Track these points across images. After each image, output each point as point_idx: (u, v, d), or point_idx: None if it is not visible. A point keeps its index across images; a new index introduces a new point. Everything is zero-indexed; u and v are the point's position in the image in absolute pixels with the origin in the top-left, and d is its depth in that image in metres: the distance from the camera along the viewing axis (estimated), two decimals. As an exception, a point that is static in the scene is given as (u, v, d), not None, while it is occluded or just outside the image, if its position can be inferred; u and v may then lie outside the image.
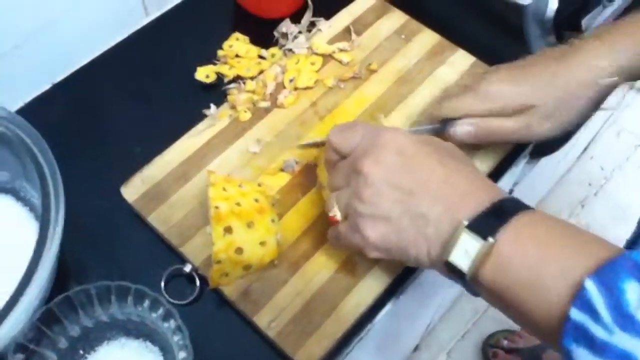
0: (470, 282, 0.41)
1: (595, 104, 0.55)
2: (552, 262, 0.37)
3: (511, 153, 0.62)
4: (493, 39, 0.71)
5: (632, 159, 1.75)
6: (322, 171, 0.54)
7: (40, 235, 0.44)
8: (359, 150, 0.47)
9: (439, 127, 0.58)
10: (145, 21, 0.72)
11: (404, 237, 0.44)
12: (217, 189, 0.53)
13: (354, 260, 0.55)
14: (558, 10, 0.69)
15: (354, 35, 0.68)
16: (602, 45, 0.53)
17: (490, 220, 0.40)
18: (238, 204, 0.53)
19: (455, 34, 0.69)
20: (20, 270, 0.43)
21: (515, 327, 1.42)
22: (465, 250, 0.40)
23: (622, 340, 0.32)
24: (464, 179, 0.43)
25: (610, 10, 0.73)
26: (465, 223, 0.40)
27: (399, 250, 0.45)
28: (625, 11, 0.76)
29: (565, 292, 0.36)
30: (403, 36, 0.69)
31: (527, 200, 0.43)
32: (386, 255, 0.47)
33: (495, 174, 0.62)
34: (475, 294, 0.42)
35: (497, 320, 1.46)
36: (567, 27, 0.70)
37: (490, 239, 0.39)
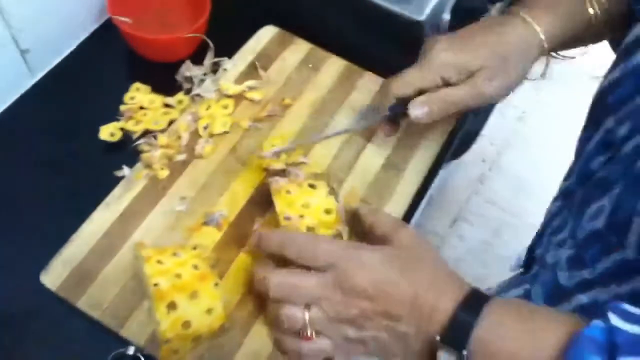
0: None
1: (530, 65, 0.58)
2: (524, 355, 0.40)
3: (440, 154, 0.65)
4: (396, 56, 0.71)
5: (518, 131, 1.87)
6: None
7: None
8: (329, 276, 0.46)
9: (388, 114, 0.59)
10: (30, 82, 0.65)
11: (392, 350, 0.46)
12: (152, 263, 0.50)
13: (305, 309, 0.54)
14: (451, 22, 0.71)
15: (261, 72, 0.66)
16: (531, 17, 0.56)
17: (460, 330, 0.42)
18: (178, 276, 0.50)
19: (360, 56, 0.69)
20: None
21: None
22: None
23: None
24: (429, 290, 0.45)
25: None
26: (438, 338, 0.43)
27: (393, 356, 0.47)
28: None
29: None
30: (310, 65, 0.68)
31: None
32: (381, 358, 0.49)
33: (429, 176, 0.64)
34: None
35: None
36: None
37: (464, 352, 0.42)
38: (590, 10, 0.57)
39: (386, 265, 0.46)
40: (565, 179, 0.58)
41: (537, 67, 0.61)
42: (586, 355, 0.36)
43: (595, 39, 0.61)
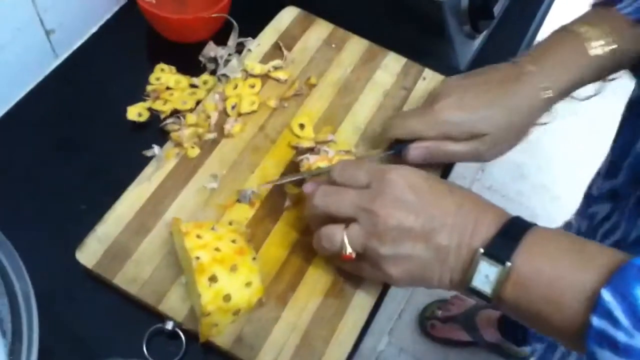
0: (495, 302, 0.43)
1: (534, 124, 0.57)
2: (567, 277, 0.40)
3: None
4: (416, 37, 0.72)
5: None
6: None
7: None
8: (370, 190, 0.47)
9: (393, 151, 0.58)
10: (55, 63, 0.65)
11: (427, 269, 0.46)
12: (191, 237, 0.50)
13: (340, 282, 0.54)
14: (471, 2, 0.72)
15: (285, 52, 0.67)
16: (541, 73, 0.55)
17: (504, 244, 0.42)
18: (217, 250, 0.50)
19: (380, 37, 0.70)
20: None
21: (445, 295, 1.50)
22: (486, 276, 0.42)
23: None
24: (472, 205, 0.45)
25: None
26: (482, 251, 0.42)
27: (422, 280, 0.47)
28: None
29: (584, 303, 0.39)
30: (333, 45, 0.68)
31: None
32: (409, 285, 0.48)
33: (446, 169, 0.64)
34: (495, 308, 0.44)
35: (428, 293, 1.52)
36: (481, 16, 0.73)
37: (508, 264, 0.41)
38: (600, 61, 0.54)
39: (430, 180, 0.47)
40: (607, 177, 0.58)
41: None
42: (631, 281, 0.36)
43: (611, 74, 0.58)
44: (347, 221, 0.48)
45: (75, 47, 0.67)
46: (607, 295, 0.37)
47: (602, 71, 0.56)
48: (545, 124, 0.57)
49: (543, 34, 0.63)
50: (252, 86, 0.63)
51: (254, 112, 0.62)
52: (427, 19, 0.71)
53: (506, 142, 0.56)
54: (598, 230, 0.57)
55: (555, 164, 1.77)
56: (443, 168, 0.62)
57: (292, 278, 0.54)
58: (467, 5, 0.72)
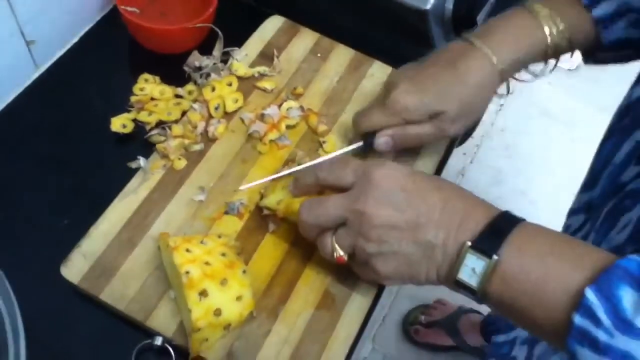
0: (480, 296, 0.43)
1: (491, 98, 0.59)
2: (553, 274, 0.40)
3: (445, 153, 0.65)
4: (401, 45, 0.72)
5: (495, 124, 1.90)
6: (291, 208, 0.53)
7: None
8: (355, 189, 0.47)
9: (363, 144, 0.59)
10: (35, 74, 0.64)
11: (414, 265, 0.46)
12: (180, 252, 0.49)
13: (331, 294, 0.54)
14: (454, 11, 0.72)
15: (275, 60, 0.66)
16: (488, 47, 0.56)
17: (492, 238, 0.42)
18: (207, 264, 0.49)
19: (366, 46, 0.70)
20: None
21: (428, 300, 1.50)
22: (472, 269, 0.42)
23: (622, 342, 0.36)
24: (460, 201, 0.45)
25: None
26: (469, 244, 0.42)
27: (411, 276, 0.47)
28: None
29: (567, 301, 0.39)
30: (319, 55, 0.68)
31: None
32: (399, 282, 0.48)
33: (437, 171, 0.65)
34: (480, 302, 0.44)
35: (411, 298, 1.52)
36: (464, 24, 0.74)
37: (495, 257, 0.41)
38: (548, 39, 0.56)
39: (414, 176, 0.47)
40: (585, 189, 0.58)
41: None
42: (616, 282, 0.36)
43: (556, 56, 0.59)
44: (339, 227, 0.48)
45: (55, 58, 0.65)
46: (591, 295, 0.37)
47: (551, 50, 0.57)
48: (502, 95, 0.57)
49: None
50: (230, 84, 0.63)
51: (242, 119, 0.62)
52: (412, 28, 0.71)
53: (465, 116, 0.57)
54: None
55: (533, 170, 1.80)
56: (437, 163, 0.63)
57: (282, 291, 0.54)
58: (451, 14, 0.73)
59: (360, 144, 0.60)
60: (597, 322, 0.37)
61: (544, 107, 1.89)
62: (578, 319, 0.37)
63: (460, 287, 0.44)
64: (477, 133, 1.85)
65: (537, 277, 0.40)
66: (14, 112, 0.62)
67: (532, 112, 1.87)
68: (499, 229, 0.42)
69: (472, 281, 0.42)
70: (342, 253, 0.48)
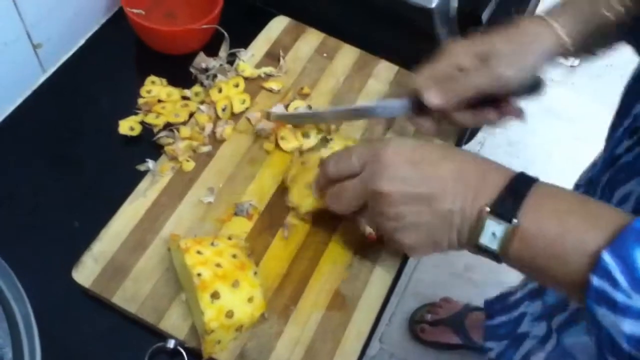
0: (501, 258, 0.44)
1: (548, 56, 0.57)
2: (571, 235, 0.40)
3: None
4: (407, 45, 0.72)
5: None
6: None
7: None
8: (367, 172, 0.47)
9: (407, 107, 0.57)
10: (42, 78, 0.64)
11: (436, 234, 0.46)
12: (192, 254, 0.49)
13: (342, 293, 0.54)
14: (459, 8, 0.72)
15: (281, 60, 0.66)
16: (556, 21, 0.55)
17: (510, 202, 0.42)
18: (218, 265, 0.49)
19: (372, 45, 0.70)
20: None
21: (434, 299, 1.50)
22: (493, 233, 0.43)
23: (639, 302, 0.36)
24: (473, 168, 0.45)
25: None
26: (488, 209, 0.43)
27: (434, 245, 0.47)
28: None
29: (585, 262, 0.39)
30: (325, 54, 0.68)
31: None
32: (424, 252, 0.49)
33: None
34: (499, 262, 0.45)
35: (417, 296, 1.52)
36: (469, 22, 0.74)
37: (514, 221, 0.42)
38: (608, 14, 0.55)
39: (421, 148, 0.47)
40: (592, 167, 0.59)
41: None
42: (631, 244, 0.37)
43: (617, 39, 0.58)
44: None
45: (62, 61, 0.65)
46: (607, 257, 0.37)
47: (611, 32, 0.55)
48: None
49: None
50: (236, 85, 0.63)
51: (249, 120, 0.62)
52: (417, 26, 0.71)
53: (519, 59, 0.55)
54: None
55: (537, 167, 1.79)
56: (457, 135, 0.63)
57: (293, 291, 0.54)
58: (456, 12, 0.72)
59: (405, 102, 0.57)
60: (614, 283, 0.37)
61: (547, 104, 1.89)
62: (596, 280, 0.38)
63: (482, 250, 0.44)
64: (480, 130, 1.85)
65: (555, 237, 0.41)
66: (21, 116, 0.62)
67: (535, 109, 1.87)
68: (516, 191, 0.42)
69: (493, 245, 0.43)
70: (370, 231, 0.52)
